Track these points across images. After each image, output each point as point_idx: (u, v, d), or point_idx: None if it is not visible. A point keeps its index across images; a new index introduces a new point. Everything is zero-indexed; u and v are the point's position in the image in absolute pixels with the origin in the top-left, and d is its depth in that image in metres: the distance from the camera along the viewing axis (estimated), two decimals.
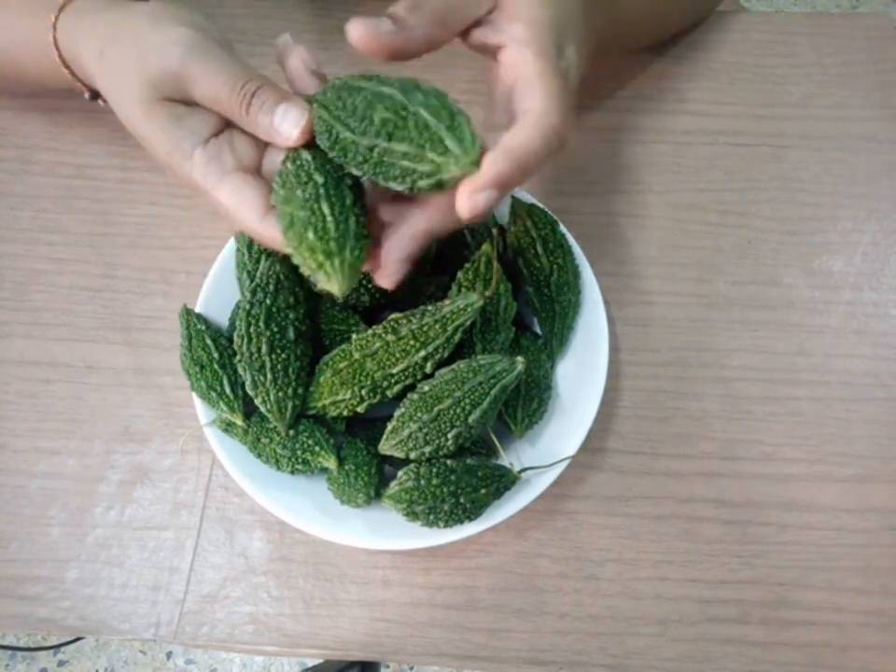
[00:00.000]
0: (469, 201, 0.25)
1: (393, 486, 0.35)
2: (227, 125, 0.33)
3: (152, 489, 0.42)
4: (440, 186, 0.26)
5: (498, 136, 0.27)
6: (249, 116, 0.30)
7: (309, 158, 0.29)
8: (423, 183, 0.26)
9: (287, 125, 0.30)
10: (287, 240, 0.29)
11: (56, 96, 0.48)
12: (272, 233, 0.30)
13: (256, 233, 0.31)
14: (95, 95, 0.39)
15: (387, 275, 0.30)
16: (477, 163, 0.25)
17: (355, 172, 0.28)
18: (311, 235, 0.27)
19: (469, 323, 0.35)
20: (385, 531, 0.37)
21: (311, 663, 0.99)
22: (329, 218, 0.28)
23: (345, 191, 0.29)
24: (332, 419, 0.38)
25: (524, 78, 0.28)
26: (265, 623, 0.39)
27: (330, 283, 0.28)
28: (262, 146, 0.33)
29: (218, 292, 0.42)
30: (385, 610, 0.39)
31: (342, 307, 0.39)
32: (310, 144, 0.30)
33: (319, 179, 0.28)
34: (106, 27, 0.34)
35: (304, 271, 0.28)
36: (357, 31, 0.28)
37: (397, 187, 0.27)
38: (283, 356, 0.36)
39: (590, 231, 0.47)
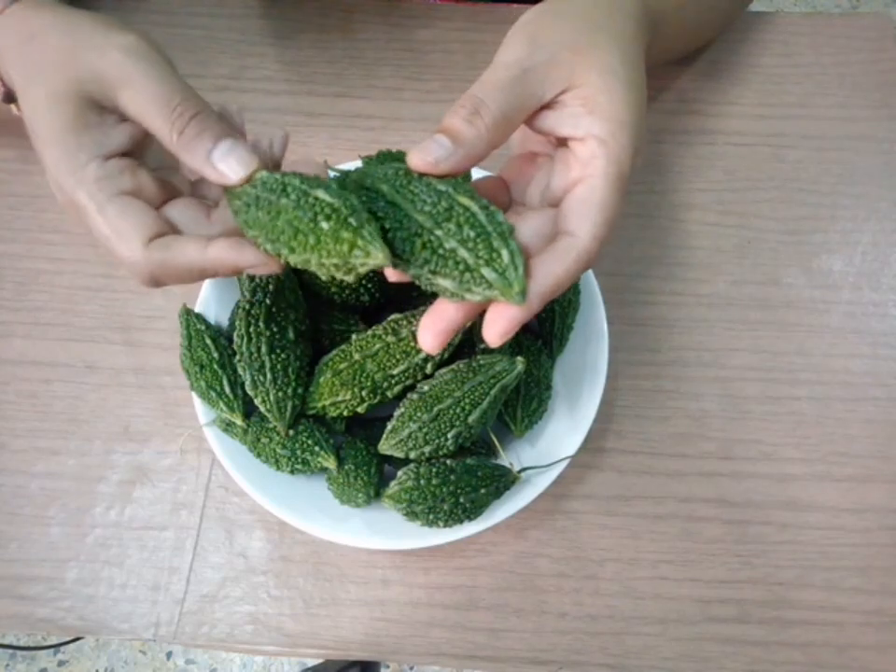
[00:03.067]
0: (498, 339, 0.26)
1: (393, 486, 0.35)
2: (135, 153, 0.30)
3: (152, 489, 0.42)
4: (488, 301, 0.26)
5: (529, 221, 0.28)
6: (181, 139, 0.27)
7: (266, 174, 0.27)
8: (475, 301, 0.26)
9: (228, 165, 0.27)
10: (293, 251, 0.25)
11: None
12: (162, 255, 0.27)
13: (136, 263, 0.27)
14: (9, 98, 0.35)
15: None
16: (523, 293, 0.25)
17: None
18: (325, 225, 0.24)
19: (468, 324, 0.35)
20: (385, 531, 0.37)
21: (311, 663, 0.99)
22: (332, 200, 0.25)
23: (321, 182, 0.26)
24: (332, 419, 0.38)
25: (588, 198, 0.27)
26: (265, 623, 0.39)
27: (373, 255, 0.24)
28: (168, 189, 0.30)
29: (218, 292, 0.42)
30: (384, 610, 0.39)
31: (341, 307, 0.39)
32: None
33: (295, 181, 0.26)
34: (45, 15, 0.30)
35: (330, 271, 0.25)
36: (416, 162, 0.26)
37: (449, 300, 0.27)
38: (283, 356, 0.36)
39: None
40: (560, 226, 0.27)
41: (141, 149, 0.30)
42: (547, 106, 0.29)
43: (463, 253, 0.25)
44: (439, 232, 0.25)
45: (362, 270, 0.25)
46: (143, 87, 0.28)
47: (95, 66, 0.28)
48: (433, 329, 0.27)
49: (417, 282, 0.27)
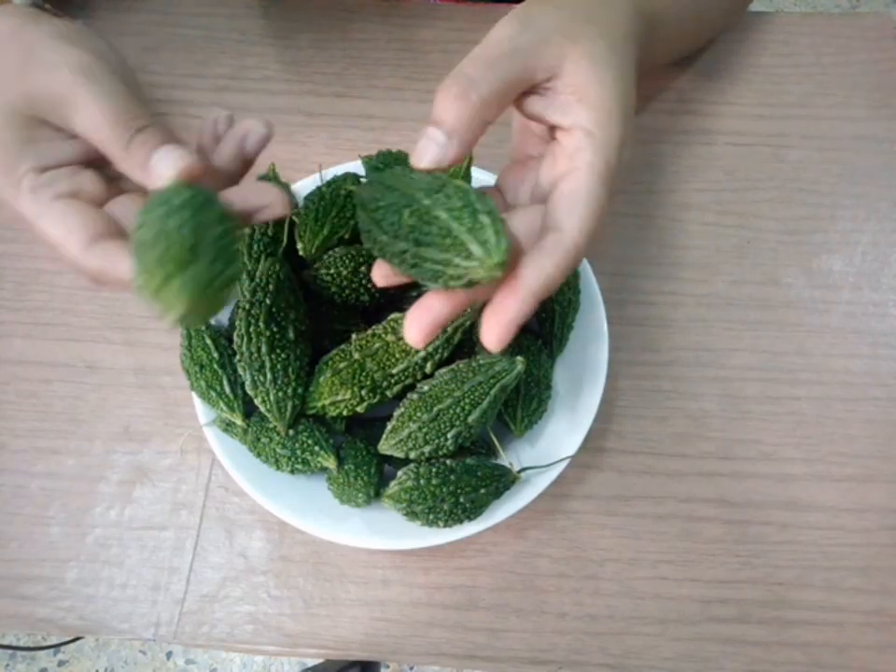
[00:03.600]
0: (497, 342, 0.26)
1: (393, 486, 0.35)
2: (78, 165, 0.30)
3: (152, 489, 0.42)
4: (471, 284, 0.26)
5: (515, 217, 0.28)
6: (128, 151, 0.27)
7: (172, 185, 0.26)
8: (454, 283, 0.26)
9: (164, 165, 0.27)
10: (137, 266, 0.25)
11: None
12: (99, 264, 0.27)
13: (81, 265, 0.28)
14: None
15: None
16: (502, 265, 0.24)
17: (399, 271, 0.27)
18: (153, 254, 0.23)
19: (468, 323, 0.35)
20: (385, 531, 0.37)
21: (311, 663, 0.99)
22: (177, 230, 0.24)
23: (212, 210, 0.25)
24: (332, 419, 0.39)
25: (574, 193, 0.27)
26: (265, 623, 0.39)
27: (171, 307, 0.23)
28: (116, 189, 0.30)
29: None
30: (384, 610, 0.39)
31: (342, 307, 0.39)
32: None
33: (176, 200, 0.25)
34: (11, 28, 0.30)
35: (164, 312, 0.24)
36: (419, 167, 0.27)
37: (432, 285, 0.27)
38: (283, 355, 0.36)
39: None
40: (547, 222, 0.27)
41: (98, 161, 0.30)
42: (537, 92, 0.29)
43: (447, 220, 0.25)
44: (427, 202, 0.25)
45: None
46: (93, 107, 0.28)
47: (47, 86, 0.28)
48: (419, 323, 0.27)
49: (403, 266, 0.26)
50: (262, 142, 0.30)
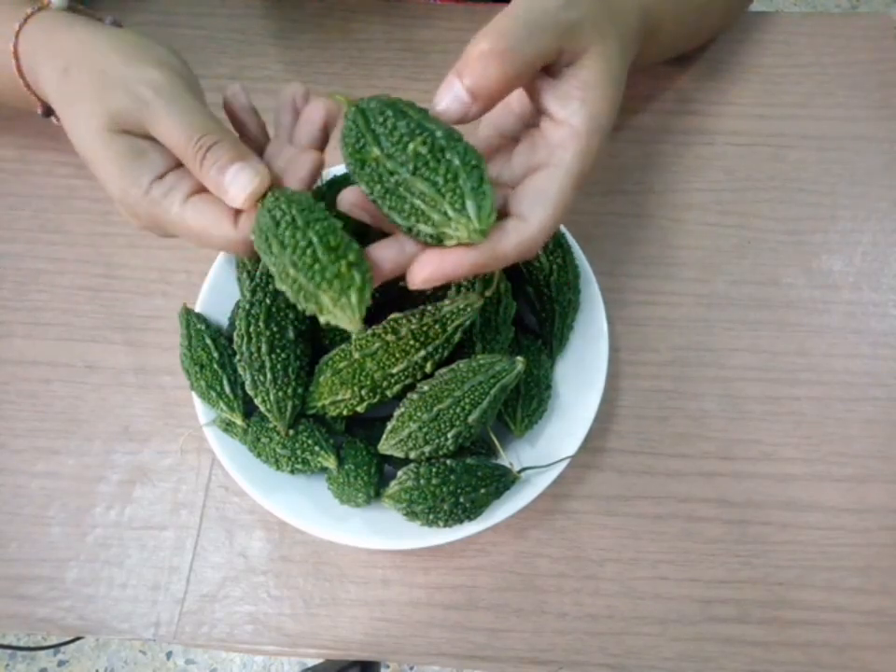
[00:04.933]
0: (421, 282, 0.27)
1: (393, 486, 0.35)
2: None
3: (152, 489, 0.42)
4: (437, 239, 0.26)
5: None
6: (202, 170, 0.29)
7: (270, 201, 0.28)
8: (424, 228, 0.26)
9: (236, 188, 0.28)
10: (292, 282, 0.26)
11: None
12: (247, 234, 0.29)
13: (235, 240, 0.30)
14: (48, 112, 0.38)
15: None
16: (483, 235, 0.25)
17: (364, 189, 0.27)
18: (325, 286, 0.25)
19: (468, 323, 0.35)
20: (385, 531, 0.37)
21: (311, 663, 0.99)
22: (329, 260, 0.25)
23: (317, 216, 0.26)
24: (332, 419, 0.38)
25: (546, 190, 0.27)
26: (265, 623, 0.39)
27: (342, 318, 0.25)
28: None
29: (218, 292, 0.42)
30: (384, 610, 0.39)
31: None
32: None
33: (289, 217, 0.26)
34: (75, 45, 0.33)
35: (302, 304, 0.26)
36: (443, 116, 0.27)
37: (397, 220, 0.26)
38: (283, 355, 0.36)
39: (590, 231, 0.47)
40: (512, 206, 0.27)
41: None
42: (551, 73, 0.29)
43: (459, 167, 0.25)
44: (443, 142, 0.25)
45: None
46: (168, 126, 0.30)
47: (125, 106, 0.30)
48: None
49: (377, 186, 0.26)
50: (307, 95, 0.32)
